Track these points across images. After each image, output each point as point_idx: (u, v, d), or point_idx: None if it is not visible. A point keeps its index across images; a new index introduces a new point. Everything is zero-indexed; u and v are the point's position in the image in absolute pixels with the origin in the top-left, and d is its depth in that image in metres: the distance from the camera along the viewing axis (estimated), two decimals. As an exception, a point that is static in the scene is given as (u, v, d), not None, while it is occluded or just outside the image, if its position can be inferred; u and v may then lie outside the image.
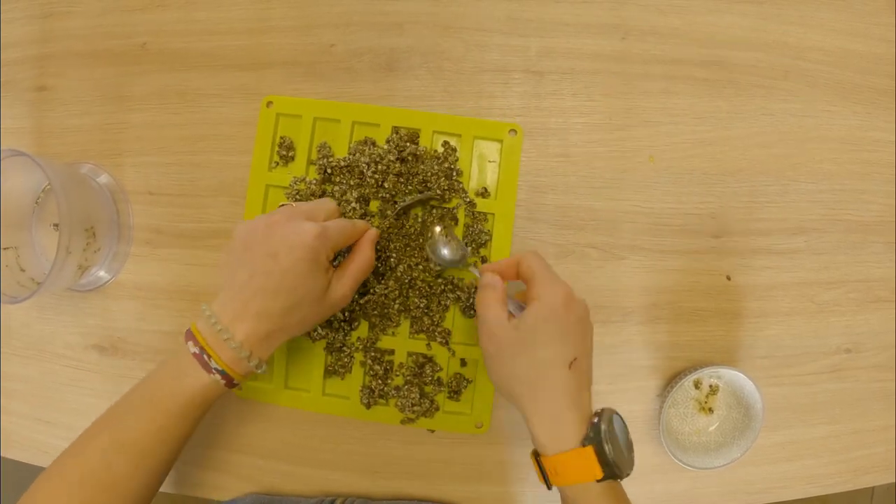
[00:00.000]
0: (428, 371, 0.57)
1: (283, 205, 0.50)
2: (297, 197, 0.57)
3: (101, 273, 0.60)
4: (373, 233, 0.52)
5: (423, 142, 0.57)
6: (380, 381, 0.57)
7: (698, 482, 0.59)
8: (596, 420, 0.42)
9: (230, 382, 0.44)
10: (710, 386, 0.59)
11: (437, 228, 0.55)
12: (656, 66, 0.59)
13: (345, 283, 0.48)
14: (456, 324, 0.57)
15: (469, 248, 0.56)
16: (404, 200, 0.55)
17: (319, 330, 0.57)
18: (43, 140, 0.62)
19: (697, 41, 0.59)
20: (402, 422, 0.57)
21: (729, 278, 0.59)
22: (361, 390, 0.57)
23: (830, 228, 0.59)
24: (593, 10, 0.59)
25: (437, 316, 0.56)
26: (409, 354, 0.57)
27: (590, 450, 0.41)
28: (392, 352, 0.57)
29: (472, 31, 0.59)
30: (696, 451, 0.57)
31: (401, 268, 0.55)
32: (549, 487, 0.44)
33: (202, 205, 0.60)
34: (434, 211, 0.56)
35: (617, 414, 0.43)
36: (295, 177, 0.57)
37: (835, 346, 0.60)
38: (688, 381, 0.57)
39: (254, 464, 0.59)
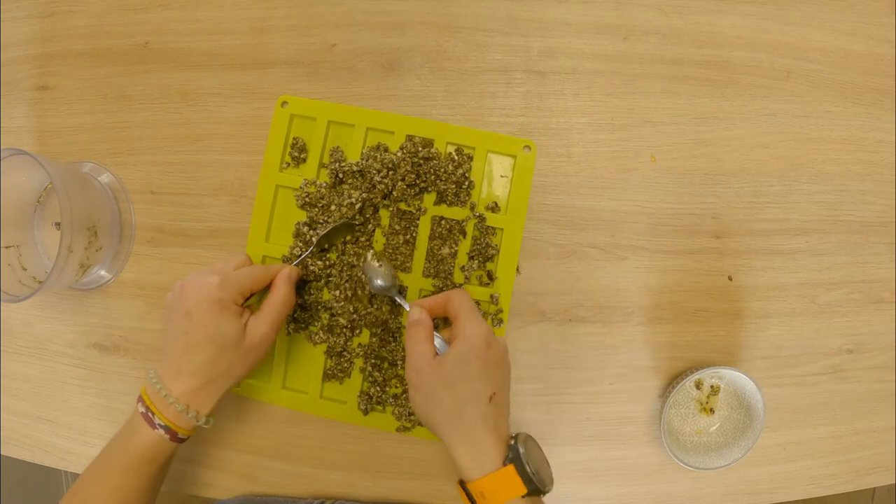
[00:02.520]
0: None
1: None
2: (307, 199, 0.57)
3: (103, 272, 0.60)
4: (286, 271, 0.52)
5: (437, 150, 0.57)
6: (378, 389, 0.57)
7: (699, 482, 0.59)
8: (513, 442, 0.45)
9: (174, 436, 0.48)
10: (712, 386, 0.59)
11: (370, 255, 0.55)
12: (658, 67, 0.59)
13: (262, 323, 0.50)
14: None
15: (397, 274, 0.56)
16: (324, 230, 0.55)
17: (321, 333, 0.57)
18: (45, 139, 0.62)
19: (699, 41, 0.59)
20: (398, 430, 0.57)
21: (730, 279, 0.59)
22: (360, 396, 0.57)
23: (832, 229, 0.59)
24: (595, 10, 0.59)
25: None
26: None
27: (511, 468, 0.44)
28: (393, 360, 0.57)
29: (474, 31, 0.59)
30: (698, 452, 0.57)
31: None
32: None
33: (203, 204, 0.60)
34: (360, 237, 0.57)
35: (530, 436, 0.47)
36: (306, 179, 0.57)
37: (836, 346, 0.60)
38: (689, 382, 0.57)
39: (253, 462, 0.59)
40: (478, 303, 0.57)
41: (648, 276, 0.58)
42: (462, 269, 0.57)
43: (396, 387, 0.57)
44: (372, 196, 0.56)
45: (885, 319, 0.60)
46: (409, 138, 0.57)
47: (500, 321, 0.57)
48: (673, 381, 0.57)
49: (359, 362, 0.57)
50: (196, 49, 0.61)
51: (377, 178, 0.55)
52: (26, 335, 0.62)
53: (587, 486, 0.59)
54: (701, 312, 0.58)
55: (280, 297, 0.51)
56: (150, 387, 0.48)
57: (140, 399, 0.48)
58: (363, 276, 0.56)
